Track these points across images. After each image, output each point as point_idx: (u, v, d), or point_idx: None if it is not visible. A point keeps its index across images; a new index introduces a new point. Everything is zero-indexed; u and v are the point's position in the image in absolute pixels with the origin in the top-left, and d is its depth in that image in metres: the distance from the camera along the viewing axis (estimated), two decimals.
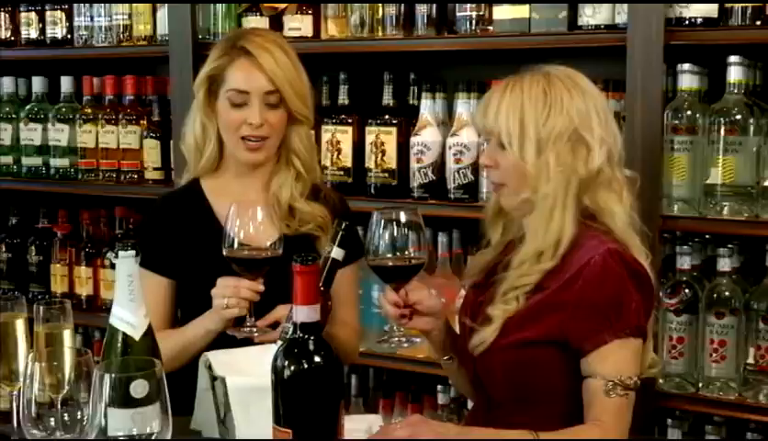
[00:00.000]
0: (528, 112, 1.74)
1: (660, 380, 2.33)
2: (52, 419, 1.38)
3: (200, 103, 2.11)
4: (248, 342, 1.86)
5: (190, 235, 2.08)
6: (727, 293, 2.30)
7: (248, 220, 1.87)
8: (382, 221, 1.76)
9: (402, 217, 1.77)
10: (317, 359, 1.34)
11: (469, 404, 2.31)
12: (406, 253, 1.77)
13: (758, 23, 2.24)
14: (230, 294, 1.85)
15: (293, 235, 2.06)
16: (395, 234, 1.77)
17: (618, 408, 1.67)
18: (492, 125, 1.79)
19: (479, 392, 1.90)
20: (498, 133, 1.78)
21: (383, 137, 2.65)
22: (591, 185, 1.75)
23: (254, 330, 1.85)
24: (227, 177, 2.16)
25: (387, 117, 2.67)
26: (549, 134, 1.73)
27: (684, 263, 2.33)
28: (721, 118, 2.26)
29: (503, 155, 1.78)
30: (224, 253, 1.85)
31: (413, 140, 2.61)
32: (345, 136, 2.71)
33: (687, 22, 2.27)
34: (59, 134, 3.16)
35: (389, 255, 1.77)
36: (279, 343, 1.68)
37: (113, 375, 1.31)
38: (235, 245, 1.85)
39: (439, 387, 2.69)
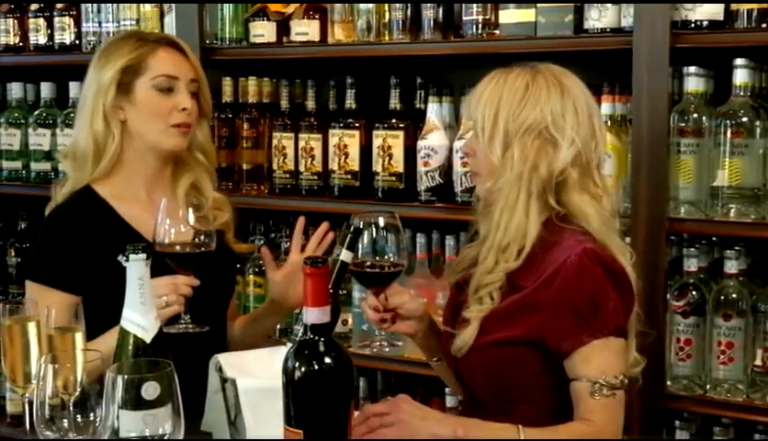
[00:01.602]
0: (504, 104, 1.75)
1: (669, 382, 2.34)
2: (65, 420, 1.39)
3: (109, 101, 2.05)
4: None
5: (97, 245, 2.00)
6: (734, 295, 2.30)
7: (179, 220, 1.87)
8: (361, 226, 1.76)
9: (381, 221, 1.77)
10: (327, 360, 1.35)
11: None
12: (386, 257, 1.77)
13: (764, 25, 2.24)
14: (167, 292, 1.81)
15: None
16: (374, 239, 1.77)
17: (605, 407, 1.67)
18: (472, 113, 1.82)
19: (464, 391, 1.92)
20: (475, 122, 1.80)
21: (390, 141, 2.66)
22: (553, 185, 1.74)
23: (190, 326, 1.85)
24: (128, 180, 2.11)
25: (394, 121, 2.67)
26: (519, 127, 1.73)
27: (691, 265, 2.33)
28: (727, 121, 2.27)
29: (479, 144, 1.80)
30: (157, 249, 1.82)
31: (420, 143, 2.62)
32: (353, 140, 2.72)
33: (693, 25, 2.28)
34: (67, 139, 3.15)
35: (369, 260, 1.77)
36: (289, 344, 1.69)
37: (126, 376, 1.32)
38: (167, 242, 1.84)
39: (447, 389, 2.69)
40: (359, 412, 1.64)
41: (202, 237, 1.89)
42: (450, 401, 2.70)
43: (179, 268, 1.85)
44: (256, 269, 2.86)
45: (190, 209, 1.89)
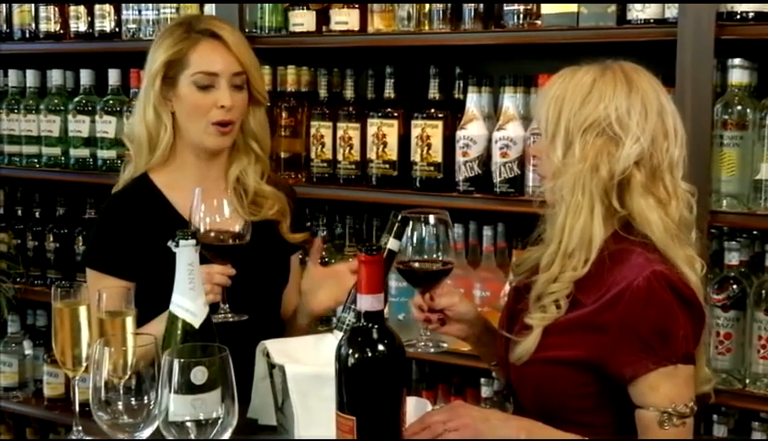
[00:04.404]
0: (567, 102, 1.68)
1: None
2: (119, 403, 1.40)
3: (156, 92, 2.05)
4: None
5: (150, 233, 2.00)
6: None
7: (214, 209, 1.84)
8: (411, 223, 1.73)
9: (431, 219, 1.74)
10: (381, 347, 1.35)
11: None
12: (434, 256, 1.75)
13: None
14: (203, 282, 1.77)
15: (257, 221, 2.05)
16: (423, 237, 1.74)
17: (676, 438, 1.59)
18: (538, 113, 1.76)
19: (513, 401, 1.87)
20: (539, 122, 1.75)
21: (429, 130, 2.65)
22: (614, 185, 1.65)
23: (229, 315, 1.84)
24: (181, 170, 2.11)
25: (433, 110, 2.66)
26: (581, 125, 1.66)
27: (732, 258, 2.31)
28: None
29: (543, 145, 1.74)
30: None
31: (459, 133, 2.60)
32: (391, 129, 2.70)
33: (738, 16, 2.24)
34: (106, 126, 3.18)
35: (416, 258, 1.74)
36: (336, 331, 1.70)
37: (182, 360, 1.33)
38: (202, 230, 1.81)
39: (482, 380, 2.69)
40: (418, 420, 1.61)
41: (237, 227, 1.87)
42: (485, 392, 2.69)
43: (215, 258, 1.84)
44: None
45: (225, 201, 1.87)
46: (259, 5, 2.88)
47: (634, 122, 1.66)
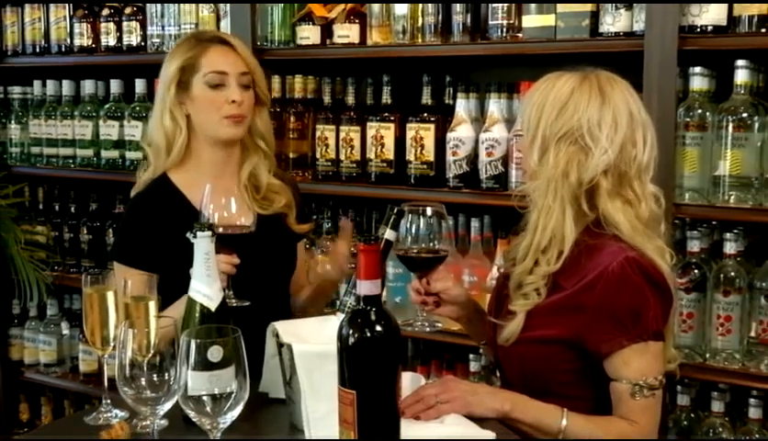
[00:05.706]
0: (546, 110, 1.64)
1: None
2: (143, 379, 1.38)
3: (171, 97, 2.02)
4: None
5: (170, 229, 1.95)
6: (732, 273, 2.26)
7: (222, 204, 1.80)
8: (409, 215, 1.72)
9: (428, 211, 1.73)
10: (378, 328, 1.32)
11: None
12: (431, 245, 1.73)
13: (763, 30, 2.18)
14: None
15: (267, 215, 2.04)
16: (421, 227, 1.73)
17: (645, 408, 1.59)
18: (521, 114, 1.73)
19: (501, 376, 1.85)
20: (522, 122, 1.72)
21: (422, 133, 2.62)
22: (583, 192, 1.62)
23: (233, 301, 1.79)
24: (197, 168, 2.08)
25: (425, 114, 2.63)
26: (556, 134, 1.63)
27: (694, 246, 2.29)
28: (729, 116, 2.21)
29: (524, 144, 1.71)
30: None
31: (449, 135, 2.58)
32: (388, 132, 2.68)
33: (699, 29, 2.22)
34: (134, 130, 3.17)
35: (414, 247, 1.72)
36: (339, 313, 1.67)
37: (198, 341, 1.31)
38: (212, 222, 1.77)
39: (471, 355, 2.67)
40: (413, 393, 1.60)
41: (243, 220, 1.84)
42: (473, 367, 2.67)
43: (221, 248, 1.77)
44: (322, 250, 2.83)
45: (232, 198, 1.83)
46: (269, 21, 2.85)
47: (604, 135, 1.62)
